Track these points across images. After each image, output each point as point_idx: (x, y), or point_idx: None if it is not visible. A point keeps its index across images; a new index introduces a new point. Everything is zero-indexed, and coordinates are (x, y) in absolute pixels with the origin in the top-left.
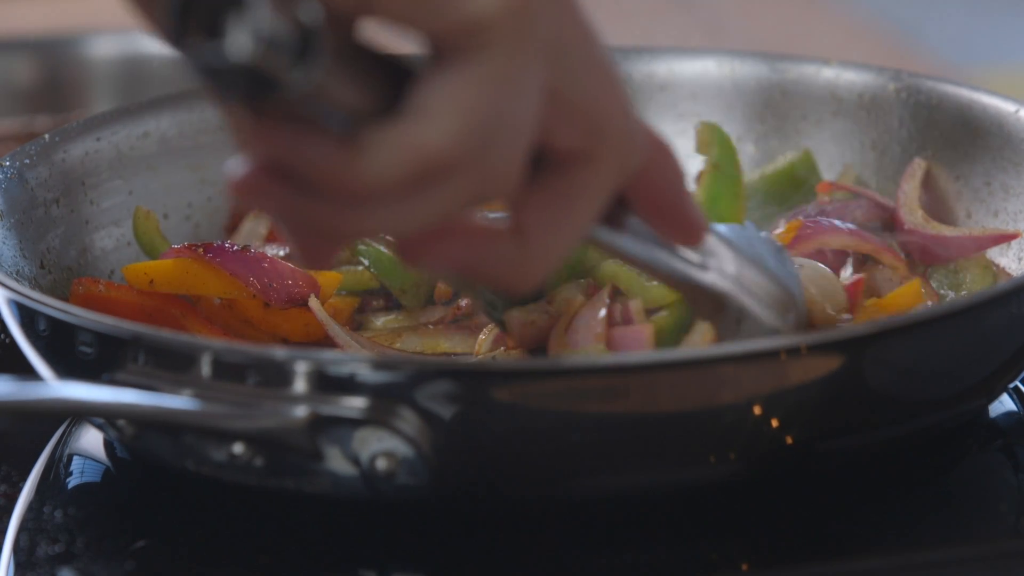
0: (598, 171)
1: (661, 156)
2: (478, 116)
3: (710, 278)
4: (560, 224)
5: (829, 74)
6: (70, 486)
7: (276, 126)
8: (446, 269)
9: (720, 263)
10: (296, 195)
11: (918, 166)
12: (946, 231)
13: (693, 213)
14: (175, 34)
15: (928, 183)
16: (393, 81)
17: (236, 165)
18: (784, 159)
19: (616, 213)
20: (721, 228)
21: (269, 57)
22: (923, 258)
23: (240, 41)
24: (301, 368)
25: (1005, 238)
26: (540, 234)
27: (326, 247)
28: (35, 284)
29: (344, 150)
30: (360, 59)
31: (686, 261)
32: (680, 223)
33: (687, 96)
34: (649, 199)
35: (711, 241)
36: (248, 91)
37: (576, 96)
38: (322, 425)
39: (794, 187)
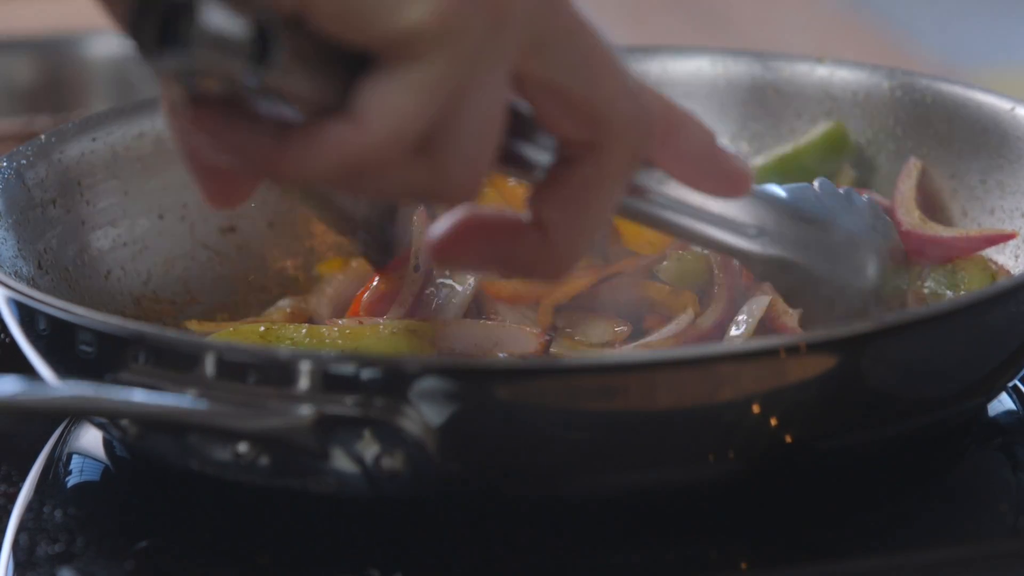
0: (609, 159)
1: (680, 122)
2: (409, 123)
3: (758, 245)
4: (578, 217)
5: (823, 72)
6: (70, 485)
7: (214, 114)
8: (478, 268)
9: (773, 227)
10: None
11: (914, 166)
12: (942, 232)
13: (732, 164)
14: (133, 32)
15: (923, 182)
16: (349, 75)
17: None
18: (816, 131)
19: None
20: (777, 190)
21: (224, 57)
22: (919, 258)
23: (196, 40)
24: (306, 367)
25: (1001, 238)
26: (560, 228)
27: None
28: (33, 284)
29: (277, 143)
30: (315, 56)
31: (732, 229)
32: (721, 178)
33: (681, 95)
34: (683, 165)
35: (760, 207)
36: (201, 85)
37: (571, 88)
38: (328, 424)
39: (829, 156)
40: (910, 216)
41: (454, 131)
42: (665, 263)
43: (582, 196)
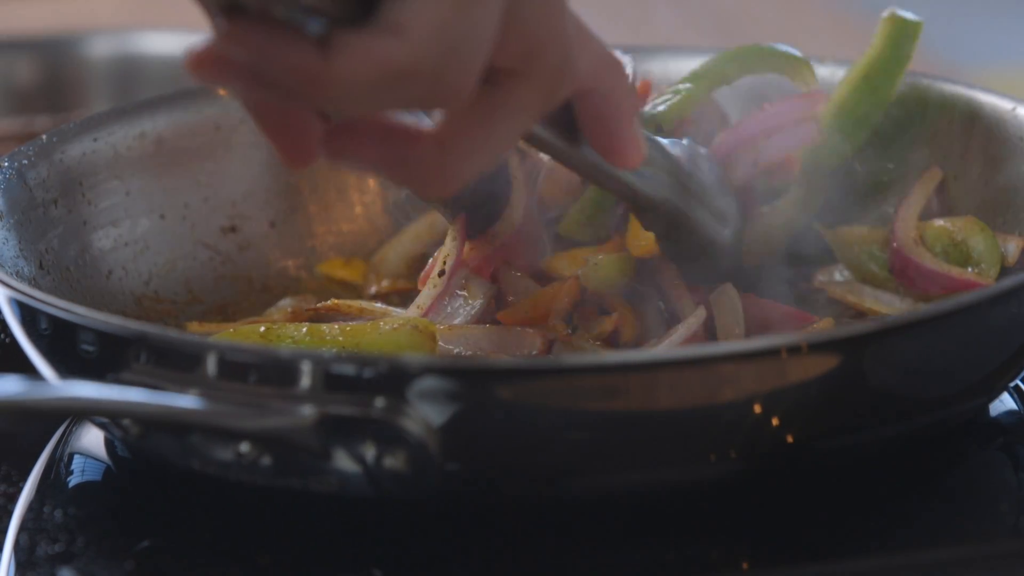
0: (525, 91)
1: (610, 78)
2: (445, 33)
3: (652, 187)
4: (479, 136)
5: (823, 72)
6: (70, 485)
7: (252, 28)
8: (365, 165)
9: (663, 174)
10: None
11: (933, 175)
12: (928, 261)
13: (631, 137)
14: None
15: (942, 192)
16: None
17: (196, 45)
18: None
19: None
20: (664, 142)
21: None
22: (899, 276)
23: None
24: (307, 367)
25: (974, 286)
26: (459, 142)
27: (300, 138)
28: (35, 284)
29: (318, 53)
30: None
31: (636, 174)
32: (617, 146)
33: None
34: (591, 118)
35: (654, 154)
36: None
37: (521, 19)
38: (329, 424)
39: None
40: (907, 232)
41: (471, 41)
42: (582, 270)
43: (488, 116)
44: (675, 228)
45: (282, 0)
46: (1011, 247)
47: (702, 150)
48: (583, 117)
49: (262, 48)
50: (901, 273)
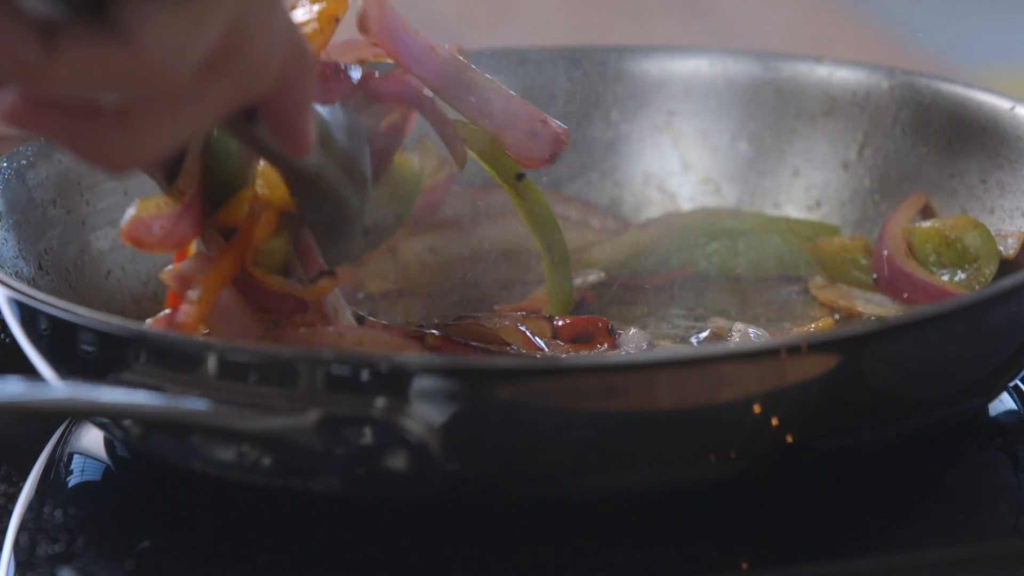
0: (222, 87)
1: (296, 73)
2: (172, 45)
3: (310, 163)
4: (165, 121)
5: (822, 72)
6: (70, 485)
7: None
8: (46, 134)
9: (320, 147)
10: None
11: (917, 199)
12: (919, 272)
13: (305, 127)
14: None
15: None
16: None
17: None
18: None
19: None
20: (319, 108)
21: None
22: (887, 288)
23: None
24: (309, 368)
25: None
26: (144, 125)
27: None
28: (34, 285)
29: (41, 46)
30: None
31: None
32: (290, 137)
33: (680, 94)
34: (271, 108)
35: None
36: None
37: (239, 25)
38: (331, 425)
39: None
40: (896, 246)
41: (195, 50)
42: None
43: (179, 105)
44: (319, 195)
45: None
46: (1010, 241)
47: (339, 110)
48: (267, 104)
49: None
50: (889, 283)
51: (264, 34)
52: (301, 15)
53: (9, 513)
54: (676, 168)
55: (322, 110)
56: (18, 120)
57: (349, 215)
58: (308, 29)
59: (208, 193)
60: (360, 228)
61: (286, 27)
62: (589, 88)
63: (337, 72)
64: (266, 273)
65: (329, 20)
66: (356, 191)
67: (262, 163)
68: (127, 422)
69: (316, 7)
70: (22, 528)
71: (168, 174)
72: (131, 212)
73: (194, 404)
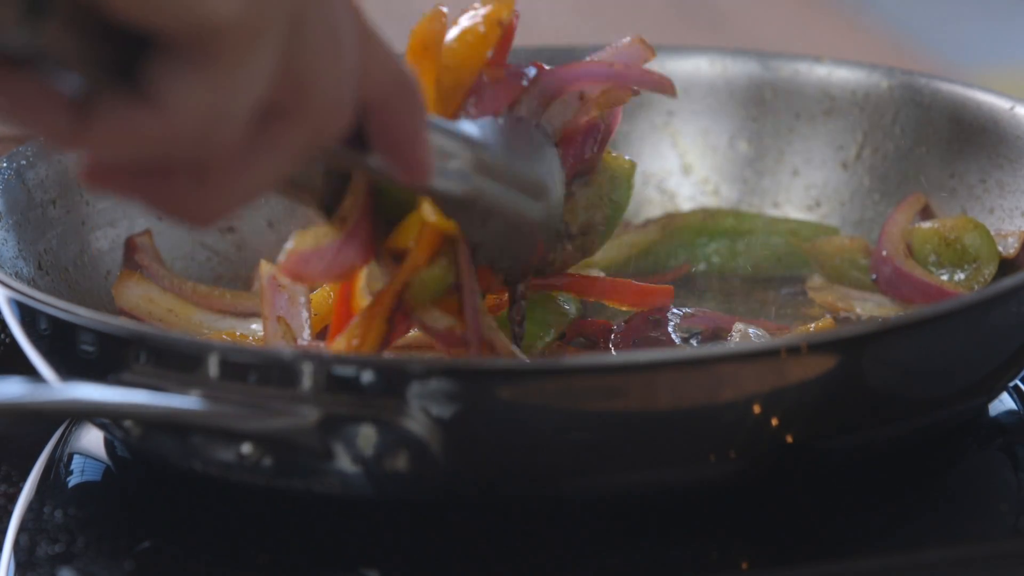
0: (293, 132)
1: (400, 96)
2: (207, 108)
3: (450, 183)
4: (241, 174)
5: (822, 72)
6: (70, 486)
7: (6, 76)
8: (125, 196)
9: (458, 164)
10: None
11: (916, 200)
12: (918, 273)
13: (419, 155)
14: None
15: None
16: (129, 50)
17: (79, 160)
18: None
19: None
20: (467, 126)
21: None
22: (887, 289)
23: None
24: (309, 368)
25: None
26: (218, 180)
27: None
28: (34, 285)
29: (73, 115)
30: (95, 25)
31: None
32: (404, 162)
33: (680, 94)
34: (381, 136)
35: (447, 144)
36: None
37: (292, 68)
38: (331, 425)
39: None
40: (895, 246)
41: (234, 115)
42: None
43: (251, 157)
44: (480, 215)
45: (38, 54)
46: (1010, 241)
47: (501, 120)
48: (370, 132)
49: (16, 101)
50: (888, 284)
51: (327, 71)
52: (466, 20)
53: (9, 513)
54: (675, 168)
55: (470, 127)
56: (95, 183)
57: (525, 227)
58: (472, 34)
59: (380, 215)
60: (552, 236)
61: (357, 58)
62: None
63: (507, 74)
64: (419, 302)
65: (494, 24)
66: (531, 200)
67: None
68: (127, 422)
69: (482, 11)
70: (22, 528)
71: (324, 202)
72: (288, 246)
73: (194, 404)
